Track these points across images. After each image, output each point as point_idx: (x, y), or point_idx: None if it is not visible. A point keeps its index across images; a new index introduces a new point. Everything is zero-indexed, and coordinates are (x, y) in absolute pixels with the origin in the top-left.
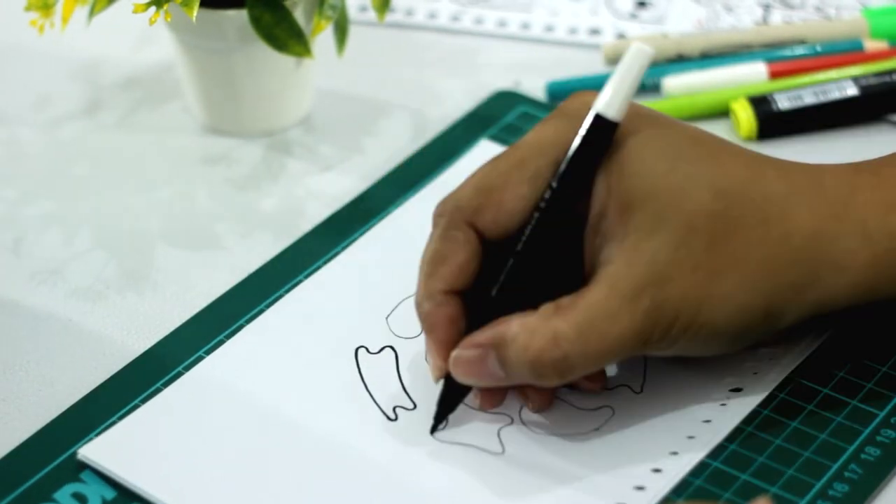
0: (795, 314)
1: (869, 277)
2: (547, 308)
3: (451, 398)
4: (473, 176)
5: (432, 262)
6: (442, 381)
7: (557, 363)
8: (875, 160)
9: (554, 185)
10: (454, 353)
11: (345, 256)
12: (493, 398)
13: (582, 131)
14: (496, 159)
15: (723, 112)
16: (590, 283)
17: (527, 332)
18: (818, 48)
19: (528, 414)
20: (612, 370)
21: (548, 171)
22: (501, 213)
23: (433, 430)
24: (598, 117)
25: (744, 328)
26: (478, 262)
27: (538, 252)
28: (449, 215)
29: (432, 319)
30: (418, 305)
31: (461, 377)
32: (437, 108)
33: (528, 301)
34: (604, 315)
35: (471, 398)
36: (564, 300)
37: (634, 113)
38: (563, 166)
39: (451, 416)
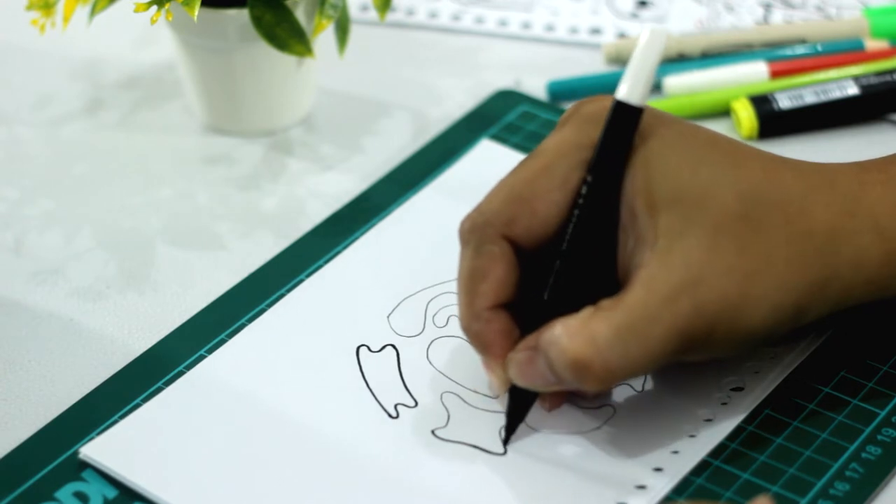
0: (818, 311)
1: (883, 274)
2: (587, 310)
3: (518, 408)
4: (499, 188)
5: (471, 280)
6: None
7: (597, 365)
8: (880, 158)
9: (588, 179)
10: (509, 356)
11: (346, 256)
12: (557, 399)
13: (607, 121)
14: (520, 169)
15: (724, 111)
16: (627, 287)
17: (567, 334)
18: (819, 47)
19: (529, 413)
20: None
21: (575, 174)
22: (535, 221)
23: (506, 442)
24: (621, 105)
25: (776, 327)
26: (516, 274)
27: (583, 251)
28: (480, 230)
29: (485, 338)
30: (467, 328)
31: (516, 379)
32: (437, 107)
33: (578, 303)
34: (643, 317)
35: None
36: (604, 302)
37: (653, 116)
38: (593, 159)
39: (453, 415)
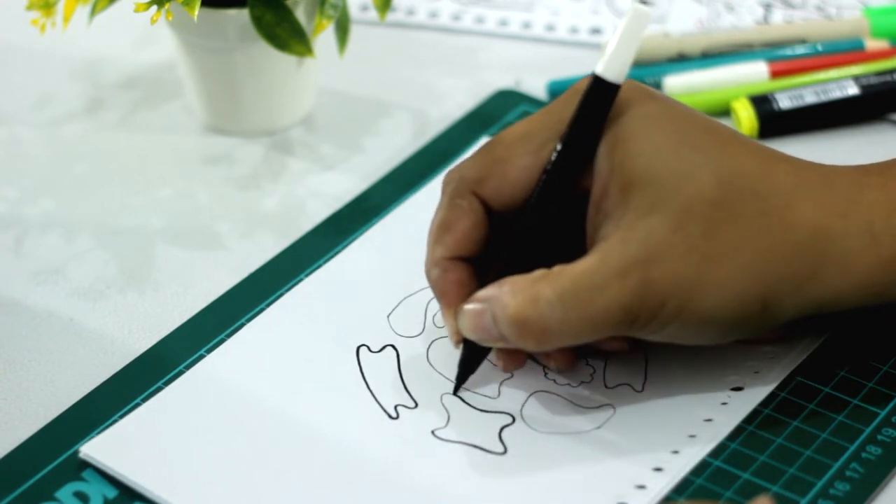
0: (796, 309)
1: (876, 279)
2: (539, 272)
3: (470, 360)
4: (481, 147)
5: (438, 229)
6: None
7: (534, 324)
8: (882, 162)
9: (558, 147)
10: (461, 306)
11: (346, 255)
12: (512, 360)
13: (583, 94)
14: (504, 132)
15: (724, 111)
16: (584, 256)
17: (512, 291)
18: (819, 47)
19: (529, 413)
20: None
21: (551, 143)
22: (505, 182)
23: (455, 390)
24: (597, 80)
25: (740, 318)
26: (482, 230)
27: (546, 216)
28: (454, 184)
29: (441, 285)
30: (427, 273)
31: (465, 331)
32: (437, 107)
33: (537, 266)
34: (589, 285)
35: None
36: (556, 268)
37: (641, 90)
38: (566, 130)
39: (453, 415)
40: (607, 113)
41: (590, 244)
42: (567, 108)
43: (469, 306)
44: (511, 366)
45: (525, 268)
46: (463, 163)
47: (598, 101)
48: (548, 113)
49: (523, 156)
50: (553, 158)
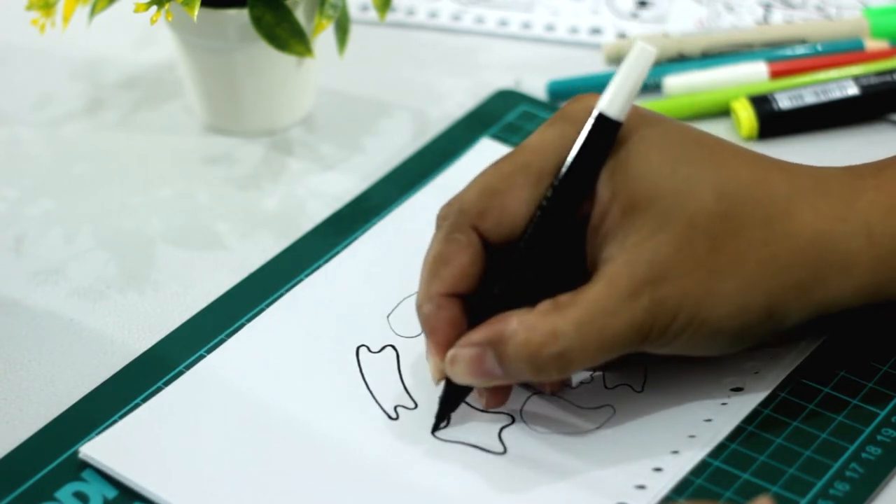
0: (800, 315)
1: (873, 279)
2: (545, 304)
3: (452, 397)
4: (477, 179)
5: (434, 264)
6: (443, 382)
7: (556, 358)
8: (875, 163)
9: (556, 184)
10: (451, 353)
11: (345, 255)
12: (498, 396)
13: (585, 131)
14: (499, 162)
15: (724, 111)
16: (590, 281)
17: (525, 328)
18: (819, 48)
19: (529, 413)
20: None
21: (551, 174)
22: (505, 216)
23: (435, 429)
24: (600, 117)
25: (746, 327)
26: (480, 266)
27: (541, 251)
28: (453, 218)
29: (432, 322)
30: (419, 308)
31: (458, 377)
32: (437, 107)
33: (529, 300)
34: (602, 311)
35: (476, 399)
36: (563, 297)
37: (638, 115)
38: (565, 166)
39: (454, 416)
40: (610, 149)
41: (591, 267)
42: (561, 134)
43: (464, 351)
44: (494, 403)
45: (521, 300)
46: (460, 196)
47: (599, 138)
48: (540, 140)
49: (522, 188)
50: (549, 193)
